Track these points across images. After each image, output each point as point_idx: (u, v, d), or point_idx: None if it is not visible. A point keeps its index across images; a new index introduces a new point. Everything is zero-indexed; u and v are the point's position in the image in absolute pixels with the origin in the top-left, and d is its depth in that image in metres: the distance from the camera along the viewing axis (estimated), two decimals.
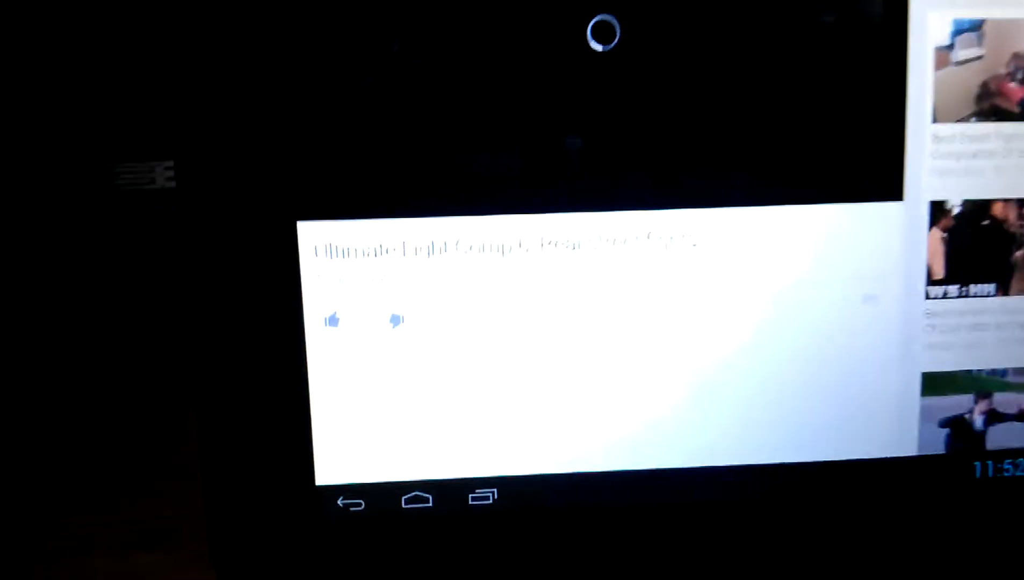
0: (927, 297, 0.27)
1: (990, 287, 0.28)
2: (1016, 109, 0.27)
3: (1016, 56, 0.27)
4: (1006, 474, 0.29)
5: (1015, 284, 0.28)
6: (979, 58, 0.27)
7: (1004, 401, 0.28)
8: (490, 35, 0.25)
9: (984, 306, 0.28)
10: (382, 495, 0.27)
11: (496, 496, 0.27)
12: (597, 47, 0.26)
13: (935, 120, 0.27)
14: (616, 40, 0.26)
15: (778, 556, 0.28)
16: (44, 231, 0.39)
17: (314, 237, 0.26)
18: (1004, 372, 0.28)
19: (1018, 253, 0.28)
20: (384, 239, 0.26)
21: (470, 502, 0.27)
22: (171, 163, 0.39)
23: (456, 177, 0.26)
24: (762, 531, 0.28)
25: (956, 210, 0.27)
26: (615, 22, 0.25)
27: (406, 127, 0.25)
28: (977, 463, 0.29)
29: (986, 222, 0.27)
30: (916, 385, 0.28)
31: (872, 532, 0.28)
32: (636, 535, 0.28)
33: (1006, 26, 0.27)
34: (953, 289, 0.27)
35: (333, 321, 0.26)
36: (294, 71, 0.25)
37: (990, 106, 0.27)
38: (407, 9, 0.25)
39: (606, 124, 0.26)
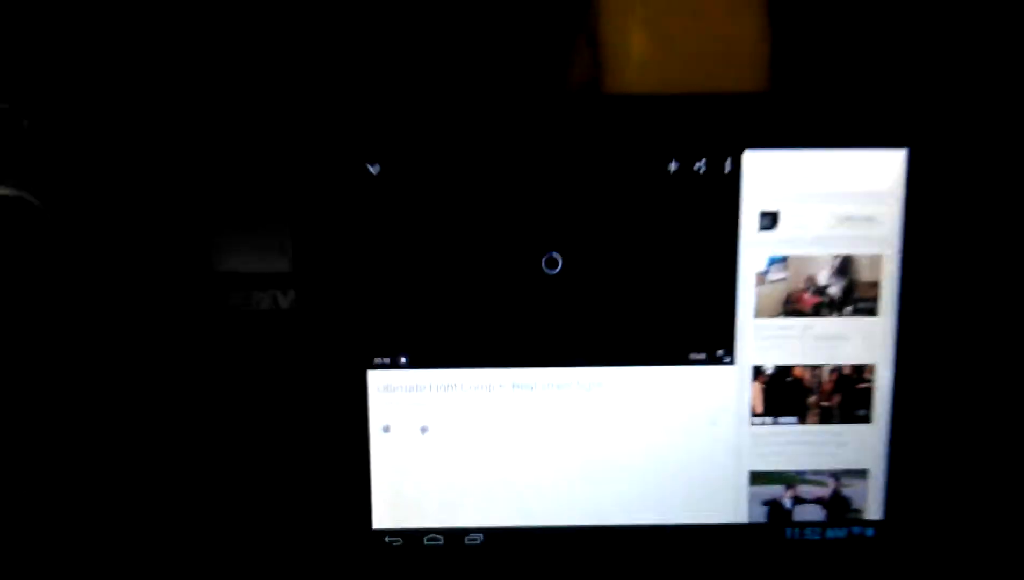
0: (751, 424, 0.44)
1: (792, 419, 0.44)
2: (809, 310, 0.44)
3: (808, 278, 0.43)
4: (807, 538, 0.45)
5: (809, 417, 0.44)
6: (784, 279, 0.43)
7: (804, 490, 0.45)
8: (478, 263, 0.43)
9: (789, 430, 0.44)
10: (412, 536, 0.44)
11: (483, 538, 0.44)
12: (548, 271, 0.43)
13: (756, 316, 0.44)
14: (559, 268, 0.43)
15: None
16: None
17: (377, 381, 0.43)
18: (803, 472, 0.45)
19: (811, 398, 0.44)
20: (419, 382, 0.43)
21: (466, 542, 0.44)
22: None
23: (461, 347, 0.43)
24: (643, 563, 0.45)
25: (770, 371, 0.44)
26: (559, 257, 0.43)
27: (431, 323, 0.43)
28: (788, 529, 0.45)
29: (789, 379, 0.44)
30: (745, 478, 0.44)
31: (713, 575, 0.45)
32: (568, 561, 0.45)
33: (802, 260, 0.43)
34: (768, 419, 0.44)
35: (387, 429, 0.43)
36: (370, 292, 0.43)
37: (792, 308, 0.44)
38: (432, 248, 0.43)
39: (552, 318, 0.43)
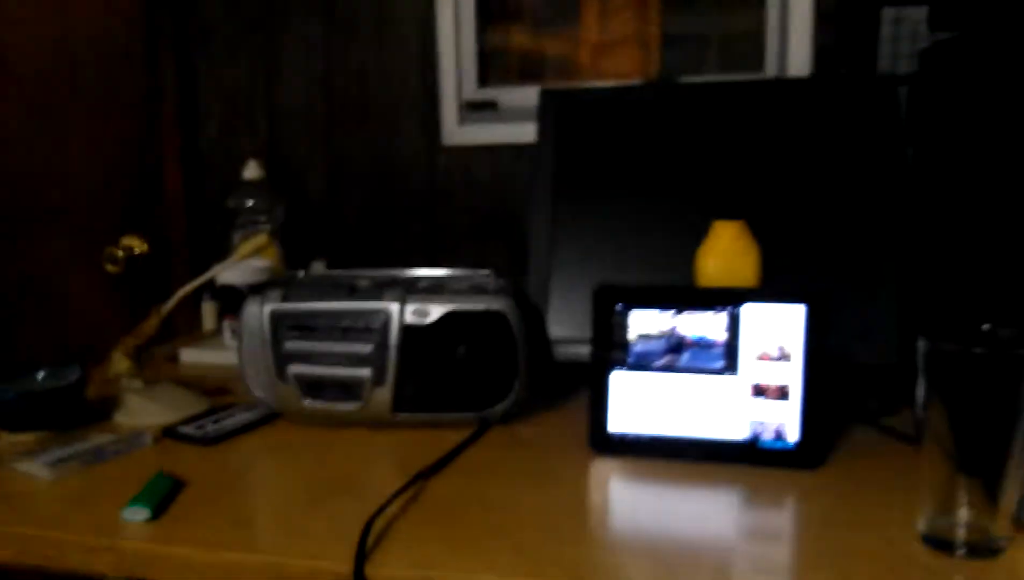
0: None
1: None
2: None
3: (764, 353, 1.23)
4: (769, 447, 1.23)
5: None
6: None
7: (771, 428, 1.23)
8: None
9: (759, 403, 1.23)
10: (627, 436, 1.27)
11: (647, 439, 1.26)
12: None
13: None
14: None
15: None
16: None
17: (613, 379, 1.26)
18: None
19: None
20: (634, 381, 1.26)
21: (633, 437, 1.26)
22: None
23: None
24: None
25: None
26: None
27: None
28: (759, 442, 1.24)
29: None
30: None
31: None
32: None
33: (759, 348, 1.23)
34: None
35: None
36: None
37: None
38: None
39: None
